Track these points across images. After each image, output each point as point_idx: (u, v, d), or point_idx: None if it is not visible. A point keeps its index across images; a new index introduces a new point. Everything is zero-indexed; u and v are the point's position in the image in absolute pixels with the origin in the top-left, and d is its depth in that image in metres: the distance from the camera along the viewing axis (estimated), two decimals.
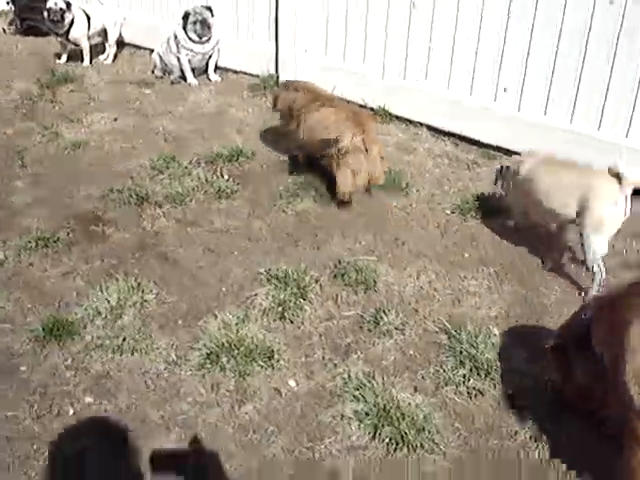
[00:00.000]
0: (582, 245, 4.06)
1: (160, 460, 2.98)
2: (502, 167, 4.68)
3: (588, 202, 3.91)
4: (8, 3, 10.11)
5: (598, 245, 3.99)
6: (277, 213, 4.92)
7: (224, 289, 4.08)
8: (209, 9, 7.34)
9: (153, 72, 7.92)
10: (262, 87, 7.33)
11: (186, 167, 5.48)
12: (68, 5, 7.92)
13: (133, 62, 8.63)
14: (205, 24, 7.29)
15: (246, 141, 6.09)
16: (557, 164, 4.29)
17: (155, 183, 5.24)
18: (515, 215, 4.73)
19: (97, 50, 8.66)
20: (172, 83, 7.65)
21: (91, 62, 8.41)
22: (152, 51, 8.07)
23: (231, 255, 4.43)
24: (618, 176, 3.81)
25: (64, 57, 8.45)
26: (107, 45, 8.63)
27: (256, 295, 3.99)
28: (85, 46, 8.26)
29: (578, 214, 4.00)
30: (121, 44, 8.91)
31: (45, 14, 7.97)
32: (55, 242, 4.42)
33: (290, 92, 5.46)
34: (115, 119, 6.53)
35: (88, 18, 8.13)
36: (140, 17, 8.91)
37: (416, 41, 6.21)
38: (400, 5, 6.19)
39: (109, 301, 3.84)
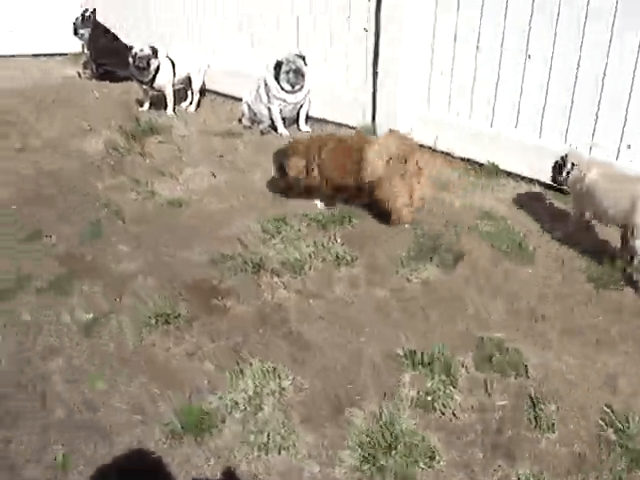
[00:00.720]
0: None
1: None
2: (563, 162, 4.93)
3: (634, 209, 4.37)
4: (83, 47, 10.04)
5: None
6: (400, 281, 4.60)
7: (362, 372, 3.76)
8: (302, 58, 7.11)
9: (240, 121, 7.71)
10: None
11: (299, 230, 5.19)
12: (154, 51, 7.77)
13: (217, 110, 8.47)
14: (299, 73, 7.07)
15: None
16: (615, 174, 4.74)
17: (268, 248, 4.96)
18: (574, 211, 5.04)
19: (179, 96, 8.49)
20: (262, 133, 7.43)
21: (174, 110, 8.23)
22: (234, 98, 7.87)
23: (360, 330, 4.11)
24: None
25: (146, 104, 8.31)
26: (189, 92, 8.46)
27: (401, 382, 3.65)
28: (170, 94, 8.10)
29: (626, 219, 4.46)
30: (202, 91, 8.72)
31: (130, 60, 7.83)
32: (176, 318, 4.14)
33: (298, 153, 5.48)
34: (213, 175, 6.29)
35: (173, 65, 7.95)
36: (223, 63, 8.73)
37: (530, 93, 5.89)
38: (514, 56, 5.88)
39: (246, 390, 3.53)
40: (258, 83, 7.44)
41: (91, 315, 4.19)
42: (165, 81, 8.01)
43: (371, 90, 7.07)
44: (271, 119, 7.45)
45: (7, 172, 6.36)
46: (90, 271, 4.70)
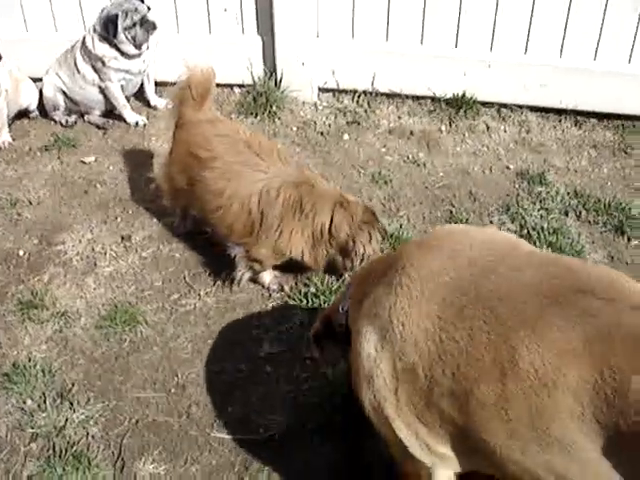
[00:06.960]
0: None
1: None
2: None
3: None
4: None
5: None
6: None
7: None
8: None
9: (51, 118, 4.97)
10: (253, 102, 4.90)
11: None
12: None
13: None
14: (149, 25, 4.57)
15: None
16: None
17: None
18: None
19: None
20: (99, 128, 4.87)
21: None
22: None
23: None
24: None
25: None
26: None
27: None
28: None
29: None
30: None
31: None
32: None
33: None
34: (122, 238, 3.89)
35: None
36: None
37: None
38: None
39: None
40: (72, 53, 4.76)
41: None
42: None
43: (255, 28, 4.89)
44: (106, 103, 4.89)
45: None
46: None
